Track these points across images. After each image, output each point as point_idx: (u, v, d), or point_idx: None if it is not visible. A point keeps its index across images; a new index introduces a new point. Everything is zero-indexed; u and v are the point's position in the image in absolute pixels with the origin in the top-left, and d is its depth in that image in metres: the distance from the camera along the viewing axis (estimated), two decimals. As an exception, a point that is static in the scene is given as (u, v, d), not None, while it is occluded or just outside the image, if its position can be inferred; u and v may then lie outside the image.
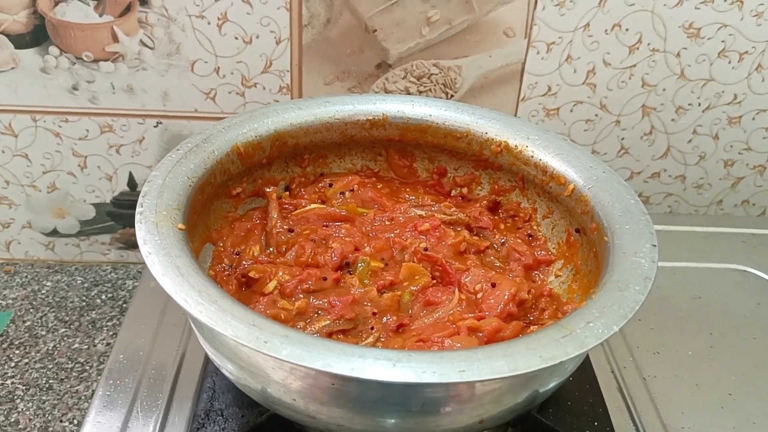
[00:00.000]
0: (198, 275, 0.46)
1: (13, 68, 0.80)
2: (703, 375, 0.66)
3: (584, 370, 0.63)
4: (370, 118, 0.68)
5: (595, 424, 0.58)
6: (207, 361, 0.62)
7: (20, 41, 0.78)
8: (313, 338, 0.43)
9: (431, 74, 0.82)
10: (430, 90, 0.83)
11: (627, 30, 0.81)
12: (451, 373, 0.42)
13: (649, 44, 0.82)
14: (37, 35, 0.78)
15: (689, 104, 0.86)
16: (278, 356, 0.42)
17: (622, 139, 0.88)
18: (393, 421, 0.47)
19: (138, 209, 0.51)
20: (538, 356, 0.43)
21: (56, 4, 0.76)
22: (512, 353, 0.43)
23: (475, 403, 0.47)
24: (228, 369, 0.51)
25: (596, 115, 0.86)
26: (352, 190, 0.66)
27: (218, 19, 0.78)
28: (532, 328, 0.55)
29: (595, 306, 0.47)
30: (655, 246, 0.52)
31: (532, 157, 0.65)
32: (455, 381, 0.41)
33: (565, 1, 0.78)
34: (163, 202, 0.52)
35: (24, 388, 0.76)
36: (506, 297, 0.55)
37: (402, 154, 0.71)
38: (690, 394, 0.64)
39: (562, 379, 0.52)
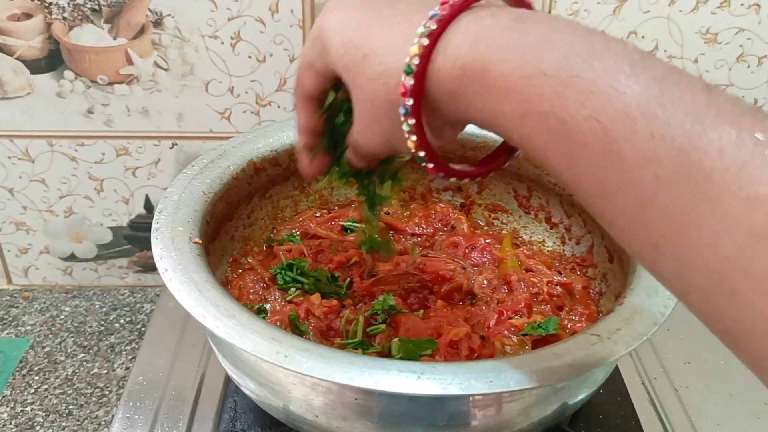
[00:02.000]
0: (215, 290, 0.46)
1: (29, 93, 0.80)
2: (737, 385, 0.64)
3: (614, 382, 0.61)
4: (386, 130, 0.67)
5: (628, 437, 0.56)
6: (228, 381, 0.61)
7: (36, 66, 0.79)
8: (334, 351, 0.42)
9: (446, 87, 0.81)
10: (445, 103, 0.83)
11: (643, 37, 0.80)
12: (477, 384, 0.40)
13: (665, 51, 0.81)
14: (52, 60, 0.78)
15: (709, 110, 0.85)
16: (299, 370, 0.40)
17: (642, 147, 0.87)
18: (419, 436, 0.46)
19: (154, 225, 0.51)
20: (567, 365, 0.42)
21: (70, 28, 0.77)
22: (540, 363, 0.42)
23: (502, 416, 0.46)
24: (249, 387, 0.50)
25: (614, 124, 0.85)
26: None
27: (231, 38, 0.78)
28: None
29: (624, 312, 0.46)
30: (683, 250, 0.51)
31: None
32: (482, 392, 0.40)
33: (579, 9, 0.78)
34: (179, 218, 0.51)
35: (44, 414, 0.75)
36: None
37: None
38: (724, 405, 0.62)
39: (592, 391, 0.51)
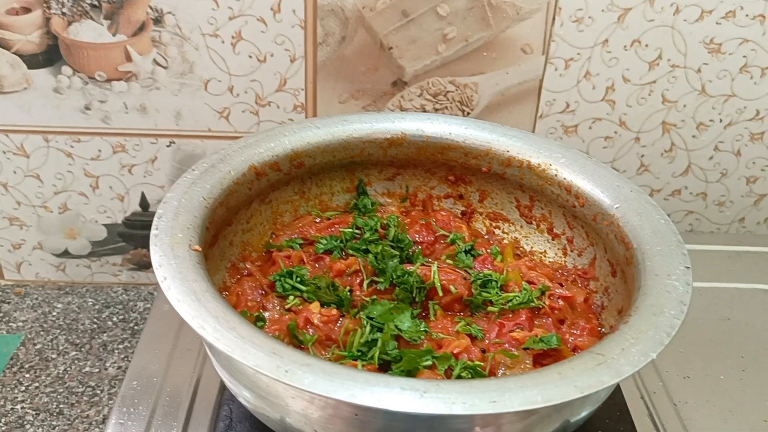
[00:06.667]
0: (215, 300, 0.45)
1: (25, 88, 0.79)
2: (736, 400, 0.64)
3: (613, 396, 0.60)
4: (389, 136, 0.67)
5: (626, 453, 0.56)
6: (223, 387, 0.60)
7: (33, 61, 0.77)
8: (335, 366, 0.42)
9: (447, 92, 0.81)
10: (446, 107, 0.82)
11: (647, 46, 0.79)
12: (481, 404, 0.40)
13: (669, 60, 0.80)
14: (50, 55, 0.77)
15: (710, 120, 0.84)
16: (300, 386, 0.40)
17: (642, 156, 0.87)
18: (418, 453, 0.45)
19: (153, 231, 0.50)
20: (572, 385, 0.41)
21: (69, 24, 0.75)
22: (545, 382, 0.41)
23: (504, 433, 0.45)
24: (245, 397, 0.50)
25: (615, 132, 0.85)
26: None
27: (232, 37, 0.77)
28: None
29: (629, 331, 0.45)
30: (688, 268, 0.50)
31: (556, 176, 0.63)
32: (486, 412, 0.40)
33: (584, 17, 0.77)
34: (179, 224, 0.51)
35: (34, 413, 0.74)
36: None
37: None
38: (723, 421, 0.62)
39: (594, 408, 0.50)
